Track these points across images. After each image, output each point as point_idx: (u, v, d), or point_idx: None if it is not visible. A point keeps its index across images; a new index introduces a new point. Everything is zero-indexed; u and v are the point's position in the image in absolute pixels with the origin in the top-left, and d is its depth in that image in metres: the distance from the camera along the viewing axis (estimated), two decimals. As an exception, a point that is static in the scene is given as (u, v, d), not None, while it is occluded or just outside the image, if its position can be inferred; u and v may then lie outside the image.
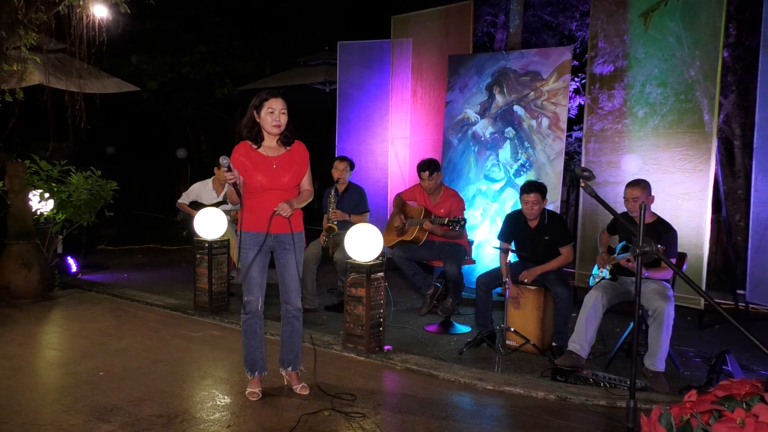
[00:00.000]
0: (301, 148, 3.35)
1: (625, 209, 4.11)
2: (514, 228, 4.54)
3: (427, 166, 4.99)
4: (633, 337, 2.21)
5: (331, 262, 5.37)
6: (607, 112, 5.47)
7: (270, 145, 3.27)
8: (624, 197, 4.02)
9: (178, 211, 6.30)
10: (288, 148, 3.31)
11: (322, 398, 3.37)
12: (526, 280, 4.27)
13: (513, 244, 4.57)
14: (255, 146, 3.26)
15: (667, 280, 3.98)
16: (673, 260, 3.94)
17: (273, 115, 3.16)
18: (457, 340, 4.57)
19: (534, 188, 4.34)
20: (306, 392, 3.42)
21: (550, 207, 5.07)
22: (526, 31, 6.72)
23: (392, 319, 5.02)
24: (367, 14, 10.42)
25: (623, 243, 4.08)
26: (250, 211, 3.27)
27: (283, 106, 3.19)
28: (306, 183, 3.37)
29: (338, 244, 5.16)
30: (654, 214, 4.02)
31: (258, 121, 3.21)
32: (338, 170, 5.43)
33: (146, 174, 14.32)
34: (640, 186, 3.96)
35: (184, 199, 6.09)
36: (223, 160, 3.06)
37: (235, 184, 3.13)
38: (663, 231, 3.90)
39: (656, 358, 3.65)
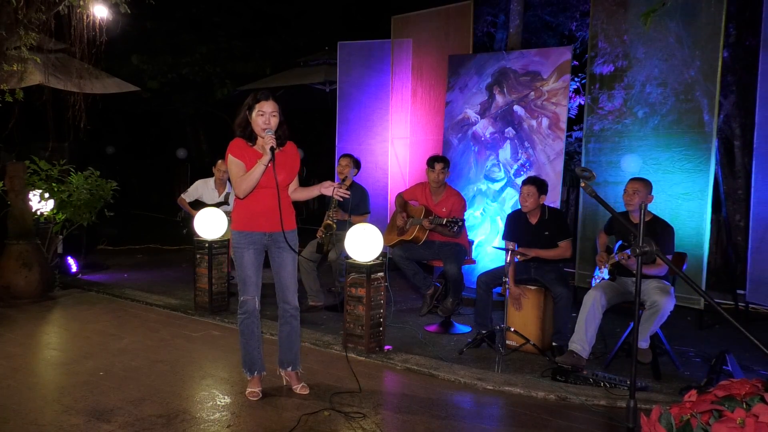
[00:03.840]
0: (293, 149, 3.38)
1: (624, 209, 4.12)
2: (515, 226, 4.55)
3: (441, 158, 5.14)
4: (633, 337, 2.21)
5: (328, 260, 5.36)
6: (607, 112, 5.47)
7: (263, 144, 3.28)
8: (624, 190, 4.08)
9: (179, 210, 6.30)
10: (280, 148, 3.31)
11: (322, 398, 3.37)
12: (519, 257, 4.31)
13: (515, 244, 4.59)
14: (250, 144, 3.27)
15: (667, 279, 3.99)
16: (669, 256, 3.95)
17: (263, 117, 3.17)
18: (457, 340, 4.57)
19: (530, 181, 4.46)
20: (306, 392, 3.42)
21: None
22: (526, 31, 6.72)
23: (392, 319, 5.02)
24: (367, 14, 10.43)
25: (620, 243, 4.09)
26: (243, 210, 3.27)
27: (274, 109, 3.19)
28: (295, 182, 3.44)
29: (335, 243, 5.16)
30: (649, 212, 4.03)
31: (250, 121, 3.22)
32: (341, 166, 5.45)
33: (146, 174, 14.32)
34: (643, 182, 4.05)
35: (187, 196, 6.11)
36: (268, 131, 3.14)
37: (273, 149, 3.10)
38: (659, 228, 3.92)
39: (642, 337, 3.77)
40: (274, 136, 3.15)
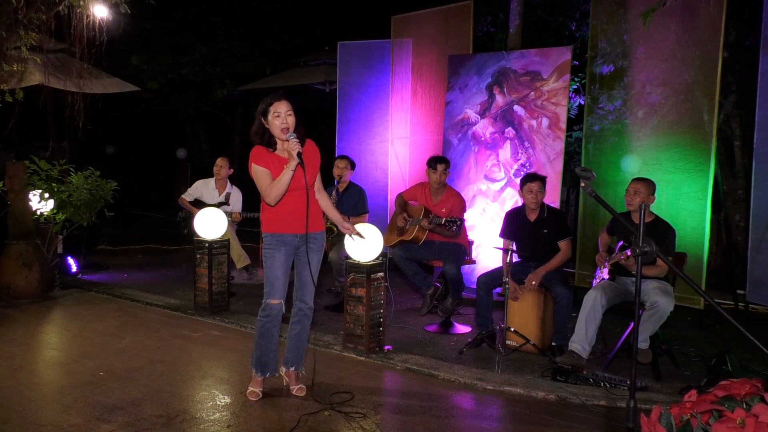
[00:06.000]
0: (313, 146, 3.35)
1: (624, 209, 4.12)
2: (514, 224, 4.56)
3: (443, 159, 5.15)
4: (633, 337, 2.21)
5: (328, 260, 5.37)
6: (607, 112, 5.46)
7: (284, 147, 3.24)
8: (626, 190, 4.08)
9: (179, 210, 6.30)
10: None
11: (322, 398, 3.37)
12: (534, 282, 4.26)
13: (513, 243, 4.59)
14: (271, 150, 3.25)
15: (667, 279, 3.99)
16: (670, 258, 3.95)
17: (280, 118, 3.14)
18: (457, 340, 4.57)
19: (536, 177, 4.45)
20: (302, 394, 3.42)
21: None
22: (526, 31, 6.71)
23: (392, 319, 5.02)
24: (367, 14, 10.42)
25: (621, 243, 4.09)
26: (274, 212, 3.25)
27: (288, 108, 3.17)
28: (318, 180, 3.41)
29: (335, 244, 5.17)
30: (651, 213, 4.03)
31: (267, 126, 3.20)
32: (339, 168, 5.45)
33: (146, 174, 14.33)
34: (645, 182, 4.04)
35: (187, 196, 6.12)
36: (290, 135, 3.10)
37: (300, 154, 3.06)
38: (662, 231, 3.91)
39: (642, 337, 3.77)
40: (298, 140, 3.10)
